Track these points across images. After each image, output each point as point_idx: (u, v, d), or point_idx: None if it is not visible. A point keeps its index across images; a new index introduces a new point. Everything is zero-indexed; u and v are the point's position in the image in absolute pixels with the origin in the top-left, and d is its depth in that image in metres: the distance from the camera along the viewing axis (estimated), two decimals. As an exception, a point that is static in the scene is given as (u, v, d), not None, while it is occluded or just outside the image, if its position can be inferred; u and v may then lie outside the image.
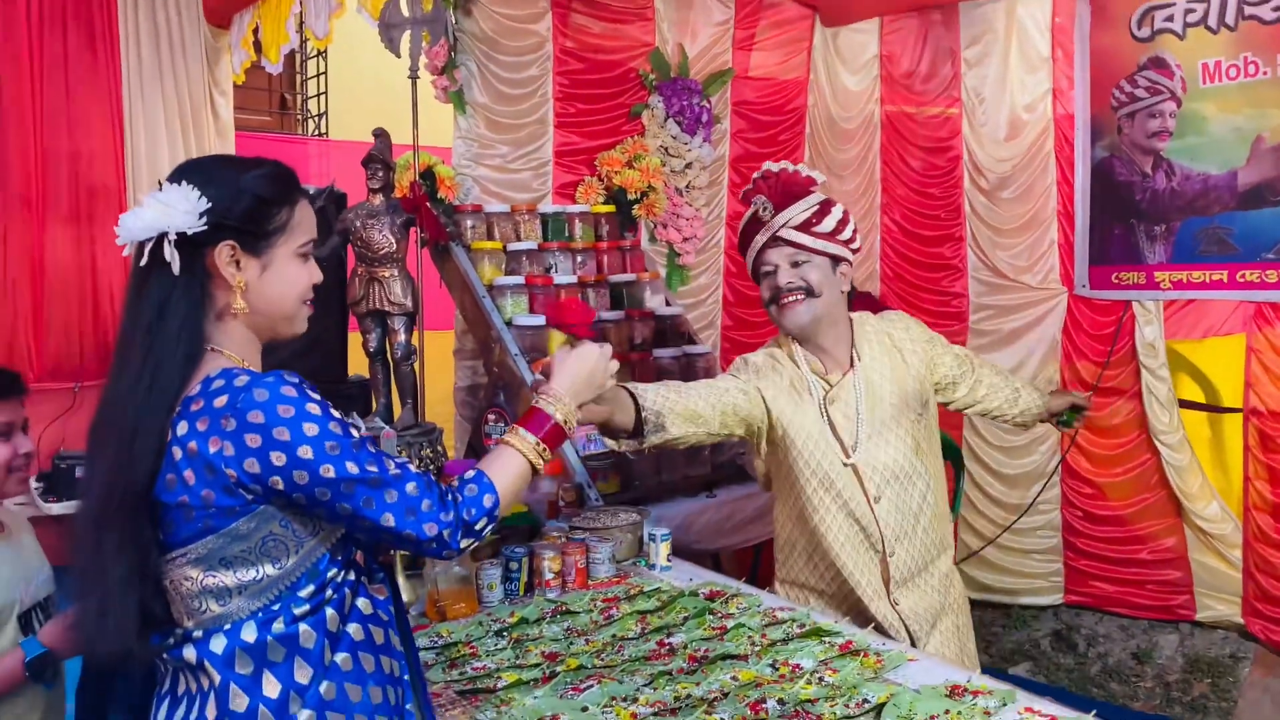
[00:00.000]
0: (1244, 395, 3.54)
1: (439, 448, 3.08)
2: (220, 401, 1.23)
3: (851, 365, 2.24)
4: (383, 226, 2.98)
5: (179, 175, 1.31)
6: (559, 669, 1.93)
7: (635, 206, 3.73)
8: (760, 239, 2.20)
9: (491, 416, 3.00)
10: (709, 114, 4.06)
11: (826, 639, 2.07)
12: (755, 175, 2.27)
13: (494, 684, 1.87)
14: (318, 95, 6.19)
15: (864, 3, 4.35)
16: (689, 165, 4.03)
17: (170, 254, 1.26)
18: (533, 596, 2.35)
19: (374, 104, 5.80)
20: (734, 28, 4.21)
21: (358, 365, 4.05)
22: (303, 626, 1.28)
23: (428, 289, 3.18)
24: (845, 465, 2.20)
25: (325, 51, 6.01)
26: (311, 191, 4.28)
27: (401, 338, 3.04)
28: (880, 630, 2.15)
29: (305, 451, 1.22)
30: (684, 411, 2.11)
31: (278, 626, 1.27)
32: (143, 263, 1.28)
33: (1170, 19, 3.59)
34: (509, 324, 3.11)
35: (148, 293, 1.29)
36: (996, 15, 4.12)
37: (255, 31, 4.22)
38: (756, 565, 3.52)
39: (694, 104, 3.99)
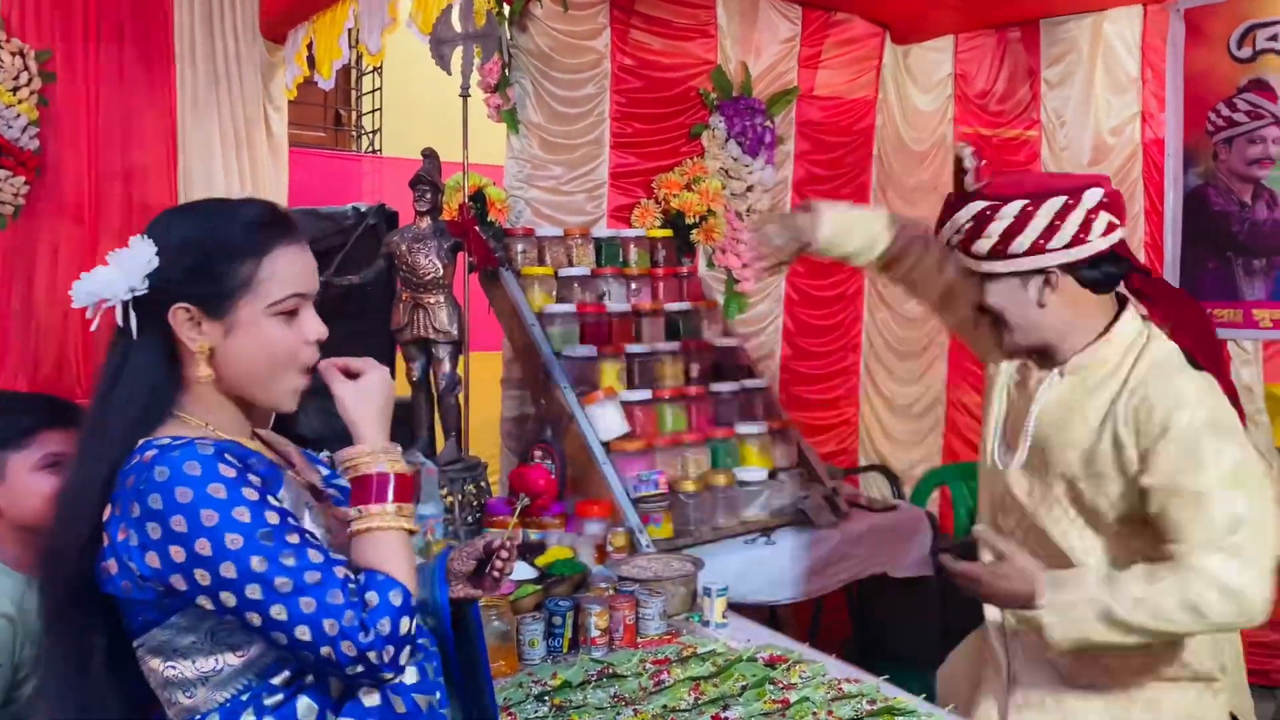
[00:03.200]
0: (1353, 444, 3.26)
1: (483, 484, 2.95)
2: (130, 481, 1.11)
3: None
4: (429, 251, 2.85)
5: (150, 227, 1.21)
6: (604, 745, 1.75)
7: (694, 231, 3.58)
8: (974, 273, 1.83)
9: (538, 453, 2.86)
10: (772, 135, 3.90)
11: (900, 718, 1.88)
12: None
13: (533, 760, 1.70)
14: (372, 112, 6.17)
15: (938, 20, 4.17)
16: (750, 188, 3.87)
17: (123, 317, 1.16)
18: (577, 654, 2.18)
19: (428, 121, 5.77)
20: (800, 45, 4.05)
21: (405, 390, 3.98)
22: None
23: (476, 313, 3.06)
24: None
25: (380, 68, 5.99)
26: (363, 209, 4.28)
27: (446, 368, 2.91)
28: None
29: (203, 546, 1.07)
30: None
31: (248, 717, 1.14)
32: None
33: (1274, 38, 3.37)
34: (559, 355, 2.96)
35: (109, 356, 1.20)
36: (1081, 33, 3.92)
37: (310, 47, 4.17)
38: (817, 622, 3.32)
39: (757, 124, 3.83)
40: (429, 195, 2.91)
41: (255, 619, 1.09)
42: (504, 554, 1.38)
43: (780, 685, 2.02)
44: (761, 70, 3.95)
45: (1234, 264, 3.52)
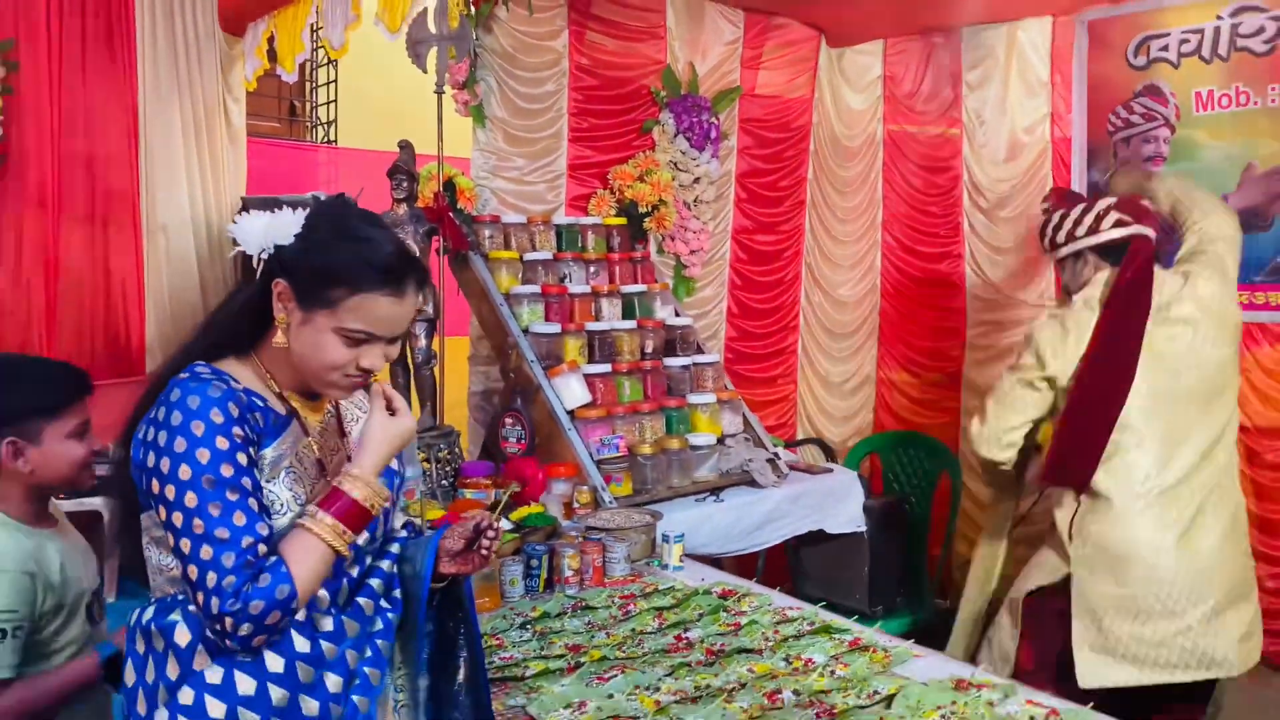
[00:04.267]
0: (1232, 412, 3.66)
1: (456, 449, 3.19)
2: (168, 389, 1.28)
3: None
4: (406, 235, 3.08)
5: (312, 210, 1.35)
6: (583, 660, 2.02)
7: (646, 219, 3.84)
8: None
9: (509, 420, 3.10)
10: (717, 130, 4.17)
11: (836, 635, 2.18)
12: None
13: (522, 673, 1.97)
14: (328, 103, 6.28)
15: (869, 25, 4.46)
16: (697, 180, 4.14)
17: (256, 264, 1.35)
18: (553, 593, 2.45)
19: (383, 113, 5.90)
20: (743, 47, 4.32)
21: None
22: (181, 623, 1.27)
23: (445, 296, 3.28)
24: None
25: (335, 60, 6.08)
26: (323, 198, 4.43)
27: (422, 343, 3.14)
28: None
29: (165, 464, 1.23)
30: None
31: (172, 616, 1.28)
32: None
33: (1165, 49, 3.72)
34: (526, 331, 3.20)
35: (236, 286, 1.41)
36: (998, 40, 4.23)
37: (270, 40, 4.28)
38: (760, 572, 3.62)
39: (703, 120, 4.10)
40: (405, 184, 3.14)
41: (170, 540, 1.24)
42: (490, 533, 1.50)
43: (732, 612, 2.31)
44: (708, 70, 4.21)
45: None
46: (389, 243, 1.36)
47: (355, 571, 1.39)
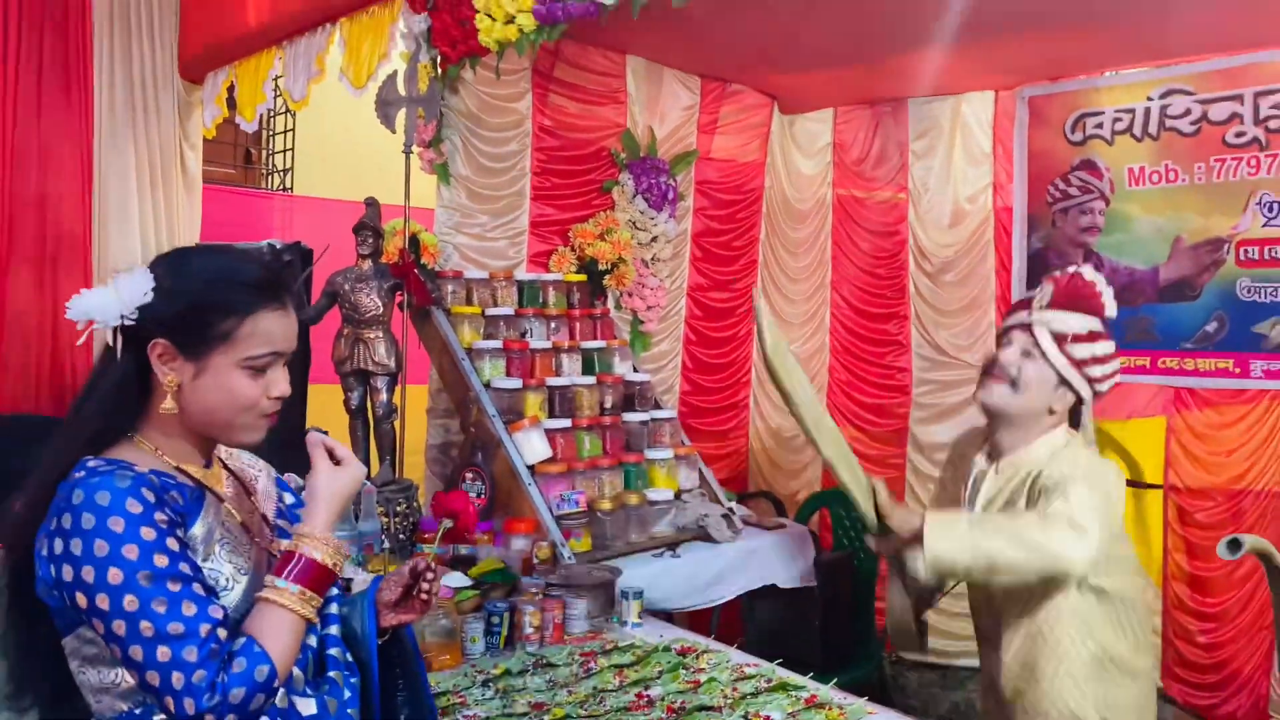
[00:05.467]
0: (1164, 473, 3.83)
1: (414, 503, 3.20)
2: (61, 494, 1.17)
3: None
4: (371, 291, 3.12)
5: (154, 262, 1.29)
6: (545, 718, 2.05)
7: (606, 276, 3.92)
8: (1020, 317, 2.24)
9: (469, 475, 3.13)
10: (674, 191, 4.28)
11: (793, 693, 2.22)
12: (1067, 272, 2.23)
13: (487, 731, 1.99)
14: (284, 151, 6.30)
15: (819, 94, 4.63)
16: (654, 239, 4.24)
17: (110, 338, 1.25)
18: (514, 650, 2.47)
19: (339, 162, 5.93)
20: (699, 112, 4.46)
21: (316, 418, 4.14)
22: None
23: (407, 349, 3.31)
24: None
25: (293, 110, 6.12)
26: (278, 246, 4.43)
27: (384, 397, 3.17)
28: None
29: (88, 573, 1.12)
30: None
31: None
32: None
33: (1100, 126, 3.93)
34: (487, 386, 3.24)
35: (94, 369, 1.29)
36: (943, 112, 4.43)
37: (230, 89, 4.31)
38: (715, 624, 3.66)
39: (661, 182, 4.21)
40: (370, 240, 3.18)
41: (118, 652, 1.14)
42: (429, 575, 1.42)
43: (691, 670, 2.35)
44: (666, 133, 4.33)
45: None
46: (249, 260, 1.31)
47: (313, 640, 1.29)
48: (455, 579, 2.60)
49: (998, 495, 2.24)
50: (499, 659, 2.39)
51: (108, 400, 1.26)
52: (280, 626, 1.21)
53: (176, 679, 1.11)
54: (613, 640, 2.53)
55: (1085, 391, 2.17)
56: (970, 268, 4.39)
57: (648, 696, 2.20)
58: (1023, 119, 4.19)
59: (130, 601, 1.11)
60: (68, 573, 1.13)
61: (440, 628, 2.35)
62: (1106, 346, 2.17)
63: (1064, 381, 2.16)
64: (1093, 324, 2.18)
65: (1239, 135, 3.59)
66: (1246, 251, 3.62)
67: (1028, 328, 2.19)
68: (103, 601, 1.12)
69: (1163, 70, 3.77)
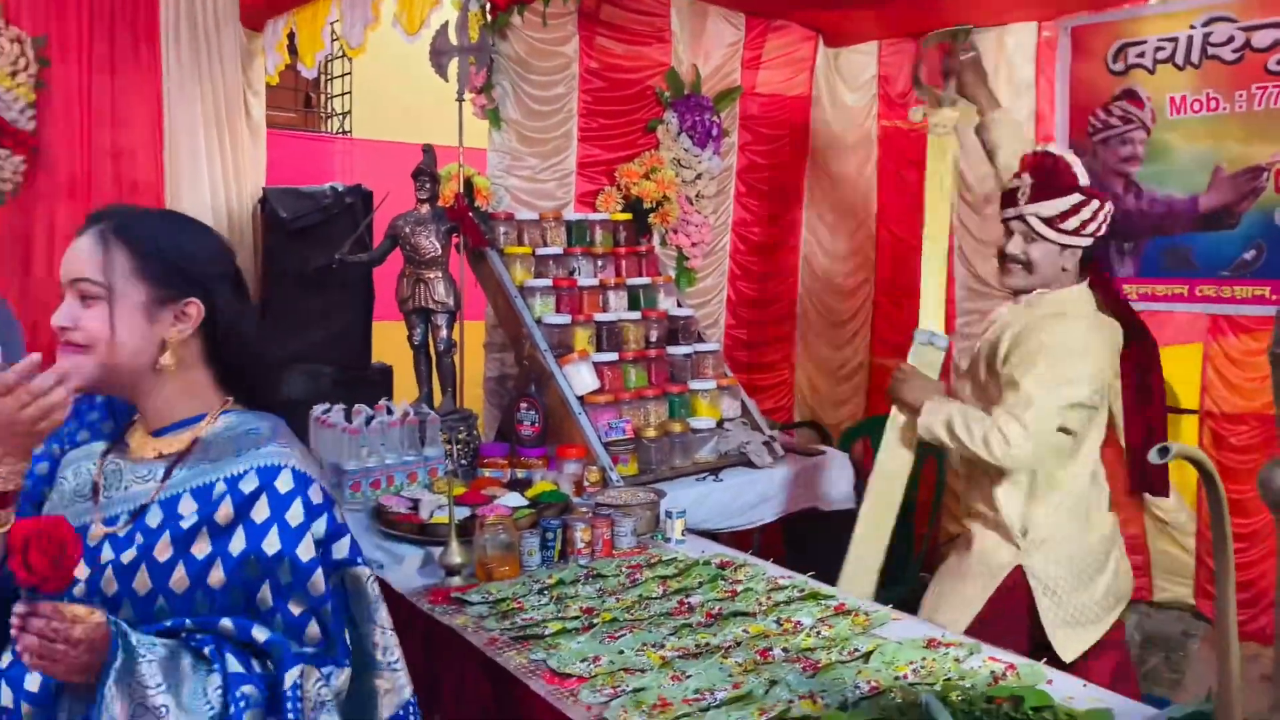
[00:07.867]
0: (1200, 398, 3.90)
1: (474, 431, 3.43)
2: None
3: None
4: (429, 233, 3.31)
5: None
6: (596, 621, 2.26)
7: (651, 215, 4.06)
8: (1010, 213, 2.59)
9: (524, 404, 3.33)
10: (719, 128, 4.38)
11: (823, 601, 2.41)
12: (1034, 151, 2.62)
13: (542, 631, 2.20)
14: (342, 95, 6.47)
15: (864, 27, 4.65)
16: (699, 176, 4.36)
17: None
18: (566, 562, 2.68)
19: (397, 105, 6.08)
20: (743, 48, 4.52)
21: (381, 353, 4.39)
22: None
23: (465, 288, 3.51)
24: None
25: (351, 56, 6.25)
26: (340, 189, 4.62)
27: (444, 333, 3.38)
28: None
29: None
30: None
31: None
32: None
33: (1142, 55, 3.93)
34: (539, 321, 3.43)
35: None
36: (986, 42, 4.40)
37: (290, 36, 4.44)
38: (756, 545, 3.86)
39: (705, 119, 4.31)
40: (428, 185, 3.36)
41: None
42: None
43: (730, 581, 2.55)
44: (710, 71, 4.41)
45: (1109, 245, 4.11)
46: None
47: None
48: (513, 499, 2.82)
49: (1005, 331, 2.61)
50: (553, 570, 2.61)
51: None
52: None
53: None
54: (657, 555, 2.73)
55: (1088, 243, 2.54)
56: (1012, 199, 4.42)
57: (688, 603, 2.40)
58: (1065, 49, 4.18)
59: None
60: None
61: (500, 541, 2.56)
62: (1091, 207, 2.50)
63: (1067, 247, 2.53)
64: (1074, 198, 2.50)
65: (1282, 61, 3.58)
66: (1287, 179, 3.64)
67: (1023, 219, 2.55)
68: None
69: (1206, -3, 3.75)
